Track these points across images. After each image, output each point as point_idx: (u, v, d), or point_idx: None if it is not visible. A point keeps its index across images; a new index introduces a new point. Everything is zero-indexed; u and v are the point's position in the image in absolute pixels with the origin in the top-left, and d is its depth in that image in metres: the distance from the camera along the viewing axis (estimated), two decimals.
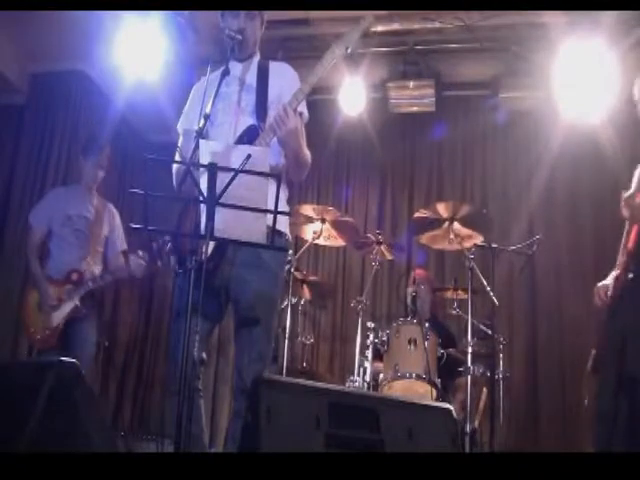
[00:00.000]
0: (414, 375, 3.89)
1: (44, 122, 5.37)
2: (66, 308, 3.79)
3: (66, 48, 5.09)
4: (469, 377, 3.81)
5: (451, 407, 2.14)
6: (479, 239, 4.14)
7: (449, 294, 4.65)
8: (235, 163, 2.15)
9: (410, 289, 4.65)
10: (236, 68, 2.69)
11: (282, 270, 2.74)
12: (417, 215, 4.29)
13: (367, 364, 4.12)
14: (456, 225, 4.12)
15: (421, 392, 3.89)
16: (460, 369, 3.99)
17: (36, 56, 5.28)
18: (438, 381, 3.92)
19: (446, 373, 4.07)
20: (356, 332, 4.31)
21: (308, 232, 4.64)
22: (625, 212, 3.04)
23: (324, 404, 1.92)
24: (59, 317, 3.77)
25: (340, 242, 4.82)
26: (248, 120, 2.62)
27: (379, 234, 4.58)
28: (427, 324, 4.06)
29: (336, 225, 4.60)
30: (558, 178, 5.45)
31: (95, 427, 1.97)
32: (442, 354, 4.11)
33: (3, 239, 5.14)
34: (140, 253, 3.80)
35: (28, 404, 1.90)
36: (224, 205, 2.12)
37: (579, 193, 5.44)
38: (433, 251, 5.28)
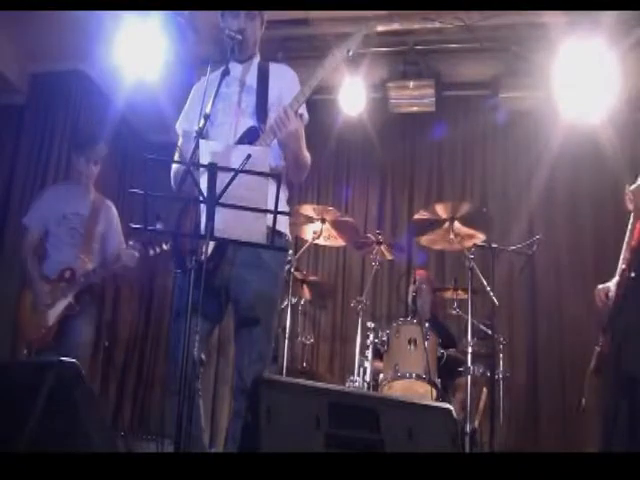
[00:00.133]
0: (414, 375, 3.89)
1: (44, 122, 5.36)
2: (60, 306, 3.79)
3: (66, 48, 5.09)
4: (469, 377, 3.81)
5: (451, 407, 2.14)
6: (479, 238, 4.14)
7: (449, 294, 4.65)
8: (235, 163, 2.15)
9: (411, 289, 4.66)
10: (236, 69, 2.69)
11: (282, 270, 2.75)
12: (417, 217, 4.29)
13: (367, 364, 4.12)
14: (456, 224, 4.12)
15: (421, 392, 3.89)
16: (460, 369, 3.99)
17: (36, 56, 5.28)
18: (438, 381, 3.92)
19: (446, 373, 4.07)
20: (356, 332, 4.32)
21: (308, 232, 4.64)
22: (630, 205, 3.04)
23: (324, 404, 1.92)
24: (53, 315, 3.77)
25: (340, 242, 4.82)
26: (248, 121, 2.62)
27: (379, 234, 4.58)
28: (427, 324, 4.07)
29: (336, 225, 4.60)
30: (558, 178, 5.45)
31: (95, 427, 1.97)
32: (442, 354, 4.12)
33: (3, 239, 5.14)
34: (131, 243, 3.80)
35: (28, 404, 1.90)
36: (224, 205, 2.12)
37: (579, 193, 5.44)
38: (433, 251, 5.29)
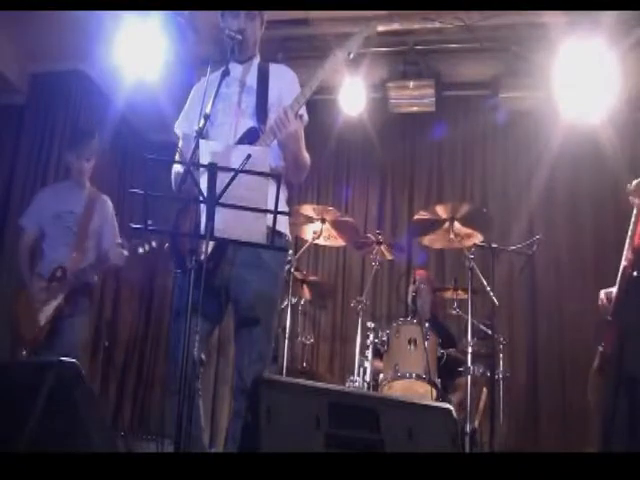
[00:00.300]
0: (414, 375, 3.89)
1: (44, 122, 5.37)
2: (51, 307, 3.79)
3: (66, 48, 5.09)
4: (469, 377, 3.81)
5: (451, 407, 2.14)
6: (479, 238, 4.14)
7: (449, 294, 4.65)
8: (235, 163, 2.15)
9: (411, 289, 4.66)
10: (236, 69, 2.69)
11: (282, 270, 2.75)
12: (417, 217, 4.30)
13: (367, 364, 4.12)
14: (456, 224, 4.12)
15: (421, 392, 3.89)
16: (460, 369, 3.99)
17: (36, 56, 5.28)
18: (438, 381, 3.92)
19: (446, 373, 4.07)
20: (356, 332, 4.32)
21: (308, 232, 4.64)
22: (635, 200, 3.04)
23: (324, 404, 1.92)
24: (46, 315, 3.77)
25: (340, 242, 4.82)
26: (248, 122, 2.62)
27: (379, 234, 4.58)
28: (427, 324, 4.07)
29: (336, 225, 4.60)
30: (558, 178, 5.45)
31: (95, 427, 1.97)
32: (442, 354, 4.11)
33: (3, 239, 5.13)
34: (119, 241, 3.80)
35: (28, 404, 1.91)
36: (224, 205, 2.12)
37: (579, 193, 5.44)
38: (433, 251, 5.29)
